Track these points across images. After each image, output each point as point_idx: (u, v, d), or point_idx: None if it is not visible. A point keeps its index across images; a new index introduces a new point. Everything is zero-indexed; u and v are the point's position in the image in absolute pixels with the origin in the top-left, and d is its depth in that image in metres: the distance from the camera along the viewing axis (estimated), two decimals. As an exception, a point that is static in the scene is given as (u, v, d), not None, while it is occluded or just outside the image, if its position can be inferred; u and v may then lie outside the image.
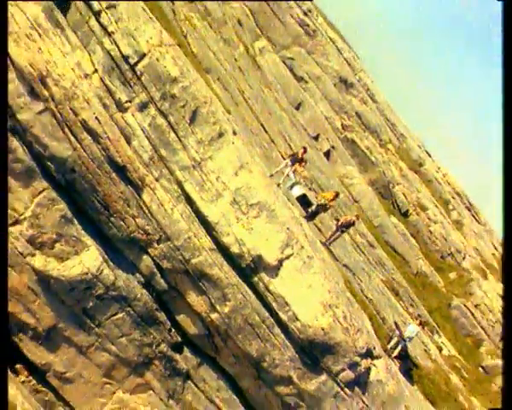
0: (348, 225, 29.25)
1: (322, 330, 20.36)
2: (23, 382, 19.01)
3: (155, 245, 19.37)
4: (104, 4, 18.55)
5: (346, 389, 21.27)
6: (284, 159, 28.59)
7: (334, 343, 20.59)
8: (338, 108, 45.65)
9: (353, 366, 21.25)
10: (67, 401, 19.50)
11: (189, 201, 19.50)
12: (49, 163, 18.04)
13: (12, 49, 17.23)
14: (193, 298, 19.86)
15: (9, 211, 17.92)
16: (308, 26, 44.88)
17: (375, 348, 22.70)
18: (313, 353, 20.54)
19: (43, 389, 19.33)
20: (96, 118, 18.23)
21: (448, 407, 28.39)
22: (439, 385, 29.65)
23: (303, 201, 27.57)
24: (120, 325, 19.47)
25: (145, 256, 19.50)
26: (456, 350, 37.24)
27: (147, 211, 19.11)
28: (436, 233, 46.33)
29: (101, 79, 18.59)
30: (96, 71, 18.60)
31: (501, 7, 14.18)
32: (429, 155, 53.66)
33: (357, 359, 21.33)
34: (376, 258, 36.35)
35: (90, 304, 19.01)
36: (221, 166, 19.75)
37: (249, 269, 19.97)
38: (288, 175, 26.37)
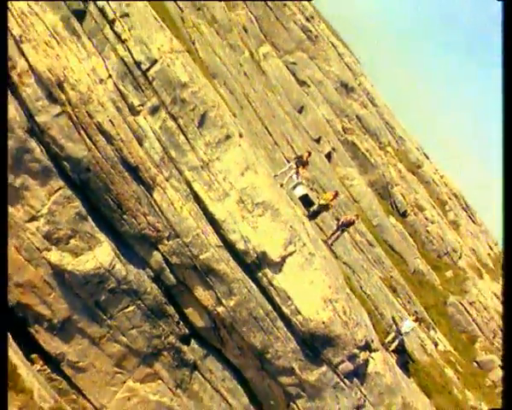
0: (348, 224, 29.36)
1: (323, 323, 20.80)
2: (39, 370, 19.44)
3: (165, 241, 19.74)
4: (118, 13, 18.97)
5: (345, 380, 21.72)
6: (289, 162, 28.72)
7: (334, 336, 21.04)
8: (339, 111, 45.46)
9: (352, 358, 21.69)
10: (80, 389, 19.97)
11: (198, 200, 19.91)
12: (65, 163, 18.57)
13: (31, 55, 17.85)
14: (200, 292, 20.25)
15: (27, 208, 18.46)
16: (310, 31, 44.76)
17: (373, 341, 23.09)
18: (314, 345, 20.98)
19: (58, 377, 19.80)
20: (110, 121, 18.72)
21: (443, 398, 28.65)
22: (435, 378, 29.81)
23: (305, 200, 27.74)
24: (131, 317, 19.90)
25: (155, 252, 19.89)
26: (451, 346, 37.16)
27: (157, 209, 19.50)
28: (433, 233, 46.09)
29: (114, 83, 18.98)
30: (110, 76, 18.96)
31: (501, 7, 14.12)
32: (427, 157, 53.28)
33: (356, 351, 21.77)
34: (375, 256, 36.42)
35: (103, 297, 19.46)
36: (228, 167, 20.19)
37: (254, 265, 20.41)
38: (291, 177, 26.51)
